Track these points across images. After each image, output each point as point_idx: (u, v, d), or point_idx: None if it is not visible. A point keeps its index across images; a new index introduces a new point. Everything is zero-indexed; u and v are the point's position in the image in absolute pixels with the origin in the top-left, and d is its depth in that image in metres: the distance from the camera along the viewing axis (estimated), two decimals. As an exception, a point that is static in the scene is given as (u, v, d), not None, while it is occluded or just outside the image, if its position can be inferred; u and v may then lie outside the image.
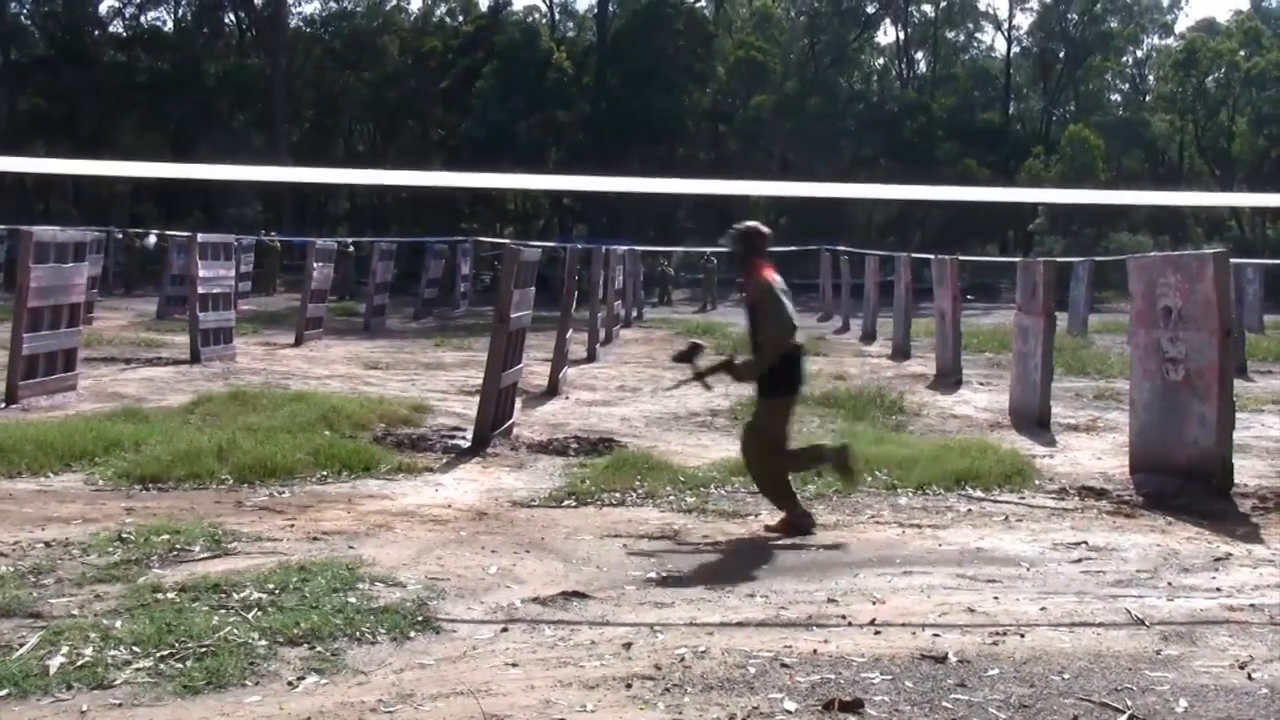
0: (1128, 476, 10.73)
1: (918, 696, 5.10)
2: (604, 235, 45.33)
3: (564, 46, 62.46)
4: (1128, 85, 75.55)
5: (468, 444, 11.61)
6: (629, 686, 5.16)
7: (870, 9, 69.07)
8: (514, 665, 5.48)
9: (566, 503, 9.36)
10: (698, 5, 65.08)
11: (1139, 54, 73.77)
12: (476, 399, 12.39)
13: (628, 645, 5.77)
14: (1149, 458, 10.66)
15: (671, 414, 14.47)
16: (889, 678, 5.31)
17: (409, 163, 51.59)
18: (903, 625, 6.16)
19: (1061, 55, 68.24)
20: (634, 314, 33.20)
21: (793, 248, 46.52)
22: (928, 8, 70.89)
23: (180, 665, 5.34)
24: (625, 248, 32.45)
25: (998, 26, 73.55)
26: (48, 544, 7.55)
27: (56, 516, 8.35)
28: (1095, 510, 9.44)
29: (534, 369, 16.47)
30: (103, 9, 63.90)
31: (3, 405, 13.26)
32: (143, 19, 65.20)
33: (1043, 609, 6.52)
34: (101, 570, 6.92)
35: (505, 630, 6.07)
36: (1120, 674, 5.43)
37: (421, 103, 61.55)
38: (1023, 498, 9.86)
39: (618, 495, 9.61)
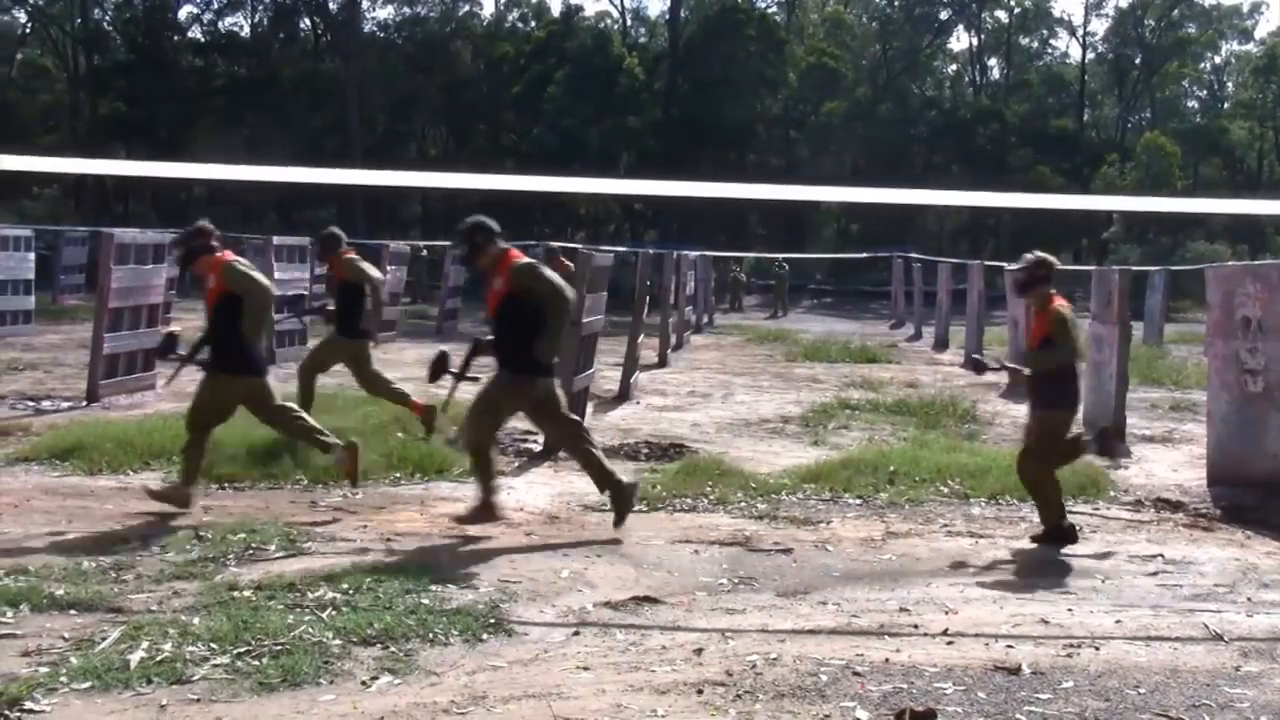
0: (1205, 489, 10.60)
1: (991, 708, 5.07)
2: (675, 241, 45.29)
3: (635, 52, 62.42)
4: (1205, 92, 74.50)
5: (540, 448, 11.64)
6: (700, 692, 5.17)
7: (943, 15, 68.63)
8: (585, 669, 5.50)
9: (638, 508, 9.37)
10: (769, 11, 64.91)
11: (1217, 60, 72.80)
12: (548, 403, 12.42)
13: (699, 651, 5.77)
14: (1227, 470, 10.53)
15: (743, 420, 14.45)
16: (962, 688, 5.28)
17: (481, 167, 51.69)
18: (975, 636, 6.12)
19: (1137, 61, 67.46)
20: (705, 320, 33.16)
21: (864, 254, 46.50)
22: (1001, 14, 70.35)
23: (256, 663, 5.40)
24: (696, 253, 32.42)
25: (1072, 32, 72.97)
26: (127, 540, 7.67)
27: (136, 514, 8.47)
28: (1171, 523, 9.35)
29: (605, 374, 16.49)
30: (181, 15, 64.77)
31: (84, 404, 13.46)
32: (220, 25, 66.07)
33: (1118, 621, 6.46)
34: (180, 567, 7.03)
35: (577, 634, 6.09)
36: (1198, 690, 5.37)
37: (493, 108, 61.77)
38: (1097, 509, 9.77)
39: (689, 501, 9.62)
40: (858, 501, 9.77)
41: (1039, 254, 8.87)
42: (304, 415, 9.26)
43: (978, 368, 9.89)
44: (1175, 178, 54.59)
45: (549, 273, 8.38)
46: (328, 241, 12.22)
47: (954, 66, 74.18)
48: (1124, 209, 48.20)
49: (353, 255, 12.11)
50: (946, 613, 6.57)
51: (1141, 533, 8.96)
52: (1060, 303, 8.62)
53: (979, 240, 60.27)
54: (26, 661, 5.40)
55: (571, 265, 21.80)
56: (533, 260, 8.43)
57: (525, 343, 8.37)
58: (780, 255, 43.34)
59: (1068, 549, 8.23)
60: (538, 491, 9.91)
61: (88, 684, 5.10)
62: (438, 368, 8.96)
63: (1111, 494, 10.30)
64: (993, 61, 73.33)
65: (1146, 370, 19.98)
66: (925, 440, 12.37)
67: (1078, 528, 8.53)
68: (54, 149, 53.31)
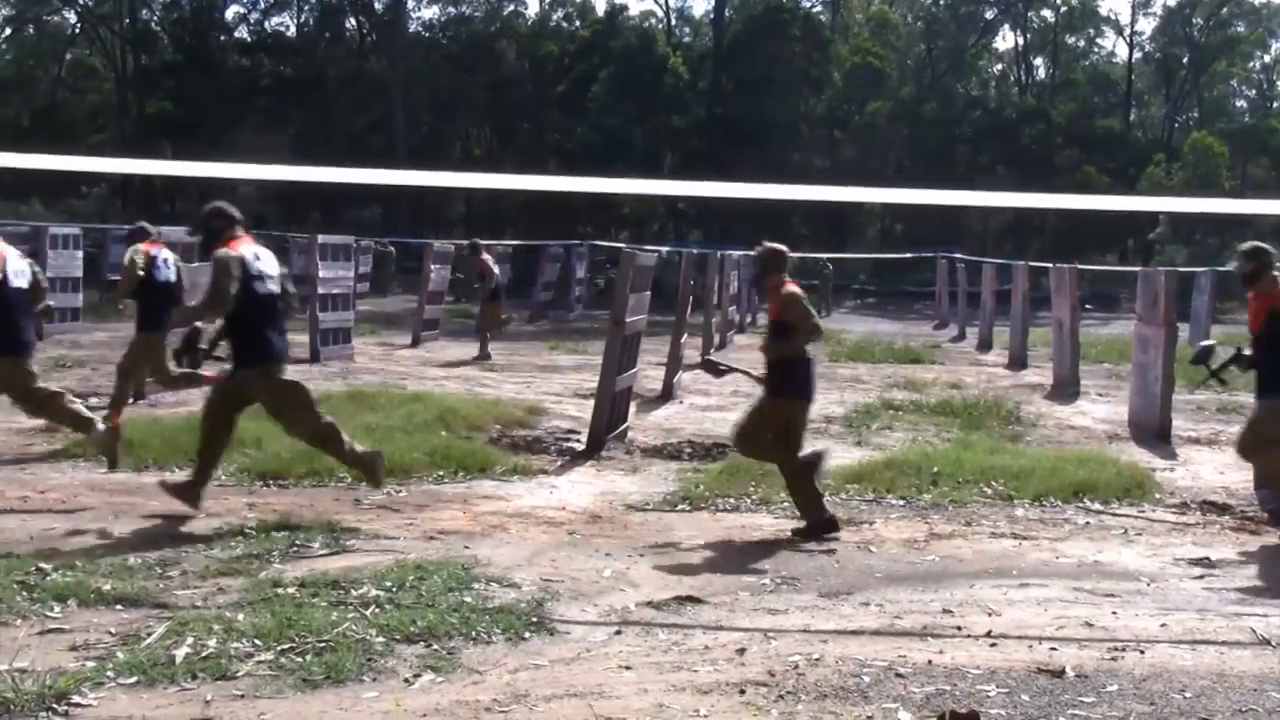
0: (1252, 492, 10.46)
1: (1034, 710, 5.04)
2: (719, 240, 45.22)
3: (680, 52, 62.43)
4: (1254, 91, 73.76)
5: (582, 447, 11.67)
6: (742, 692, 5.16)
7: (989, 14, 68.30)
8: (627, 668, 5.50)
9: (680, 507, 9.38)
10: (814, 11, 64.80)
11: (1267, 59, 72.03)
12: (591, 402, 12.45)
13: (741, 651, 5.77)
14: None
15: (784, 420, 14.41)
16: (1005, 690, 5.25)
17: (525, 166, 51.95)
18: (1019, 638, 6.09)
19: (1185, 60, 66.91)
20: (748, 320, 33.12)
21: (908, 254, 46.30)
22: (1048, 13, 69.92)
23: (300, 659, 5.44)
24: (740, 253, 32.37)
25: (1119, 32, 72.38)
26: (173, 537, 7.75)
27: (181, 510, 8.53)
28: (1218, 526, 9.27)
29: (648, 373, 16.49)
30: (228, 15, 65.29)
31: (131, 401, 13.56)
32: (266, 24, 66.54)
33: (1163, 625, 6.41)
34: (224, 564, 7.09)
35: (619, 633, 6.10)
36: (1244, 694, 5.32)
37: (537, 107, 61.90)
38: (1142, 511, 9.70)
39: (731, 501, 9.61)
40: (901, 502, 9.74)
41: (769, 244, 9.06)
42: (60, 394, 9.37)
43: (712, 370, 9.91)
44: (1223, 178, 54.15)
45: (225, 275, 8.26)
46: (134, 235, 12.71)
47: (999, 66, 73.78)
48: (1169, 209, 47.86)
49: (141, 248, 12.30)
50: (990, 614, 6.54)
51: (1187, 536, 8.89)
52: (791, 287, 8.71)
53: (1024, 241, 59.86)
54: (74, 656, 5.46)
55: (489, 262, 22.04)
56: (225, 257, 8.34)
57: (243, 335, 8.46)
58: (824, 255, 43.20)
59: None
60: (580, 491, 9.92)
61: (134, 679, 5.15)
62: (187, 344, 8.92)
63: (1157, 496, 10.23)
64: (1039, 61, 72.90)
65: (1193, 372, 19.79)
66: (969, 441, 12.31)
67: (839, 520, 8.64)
68: (102, 148, 53.81)
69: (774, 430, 8.64)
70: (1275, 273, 9.10)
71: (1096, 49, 73.09)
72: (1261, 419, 9.17)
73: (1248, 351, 9.32)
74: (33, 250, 23.93)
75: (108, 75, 64.90)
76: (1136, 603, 6.90)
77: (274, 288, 8.55)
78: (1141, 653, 5.87)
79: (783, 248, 8.98)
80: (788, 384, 8.62)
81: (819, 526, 8.44)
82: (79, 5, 63.72)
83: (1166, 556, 8.15)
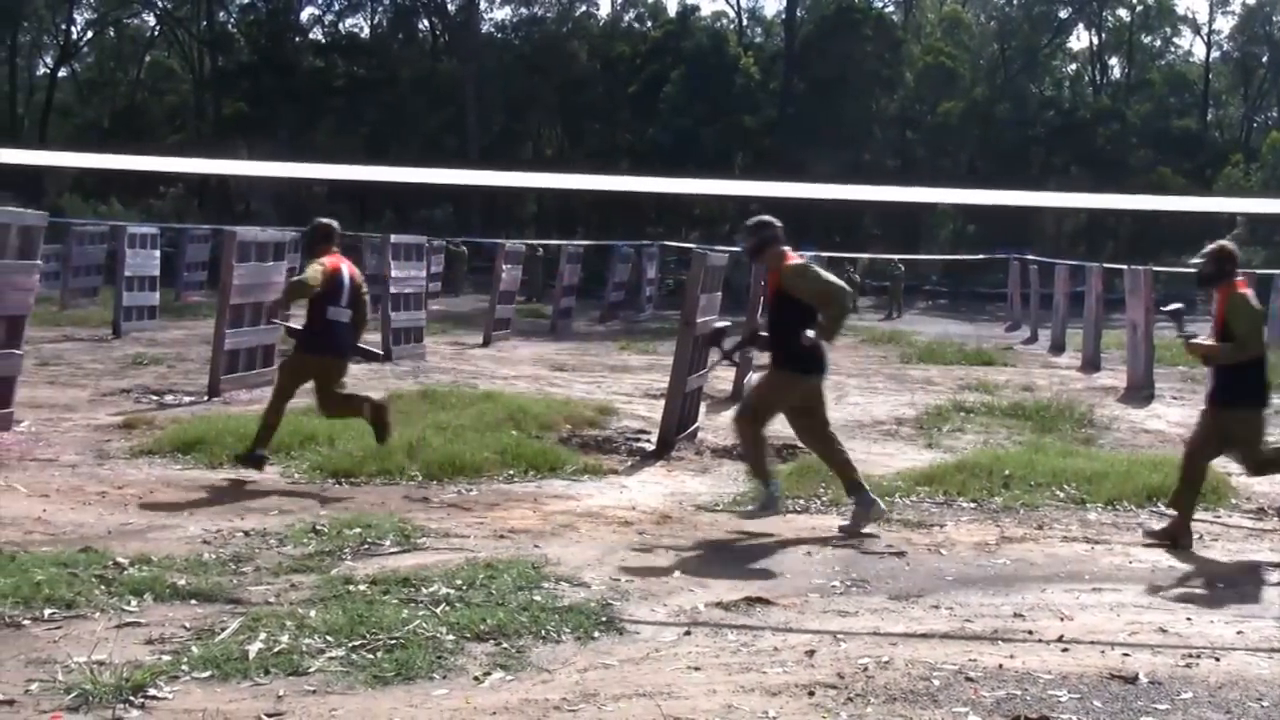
0: (1329, 498, 10.33)
1: (1107, 717, 4.99)
2: (789, 241, 45.04)
3: (751, 52, 62.38)
4: (1336, 91, 72.64)
5: (652, 447, 11.67)
6: (811, 694, 5.15)
7: (1063, 14, 67.61)
8: (696, 669, 5.50)
9: (751, 508, 9.35)
10: (886, 11, 64.51)
11: (1349, 58, 70.92)
12: (661, 402, 12.45)
13: (811, 653, 5.75)
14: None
15: (856, 422, 14.35)
16: (1077, 696, 5.20)
17: (596, 167, 52.02)
18: (1091, 643, 6.03)
19: (1264, 59, 65.96)
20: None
21: (980, 256, 45.95)
22: (1123, 12, 69.10)
23: (371, 656, 5.48)
24: (811, 253, 32.21)
25: (1196, 30, 71.38)
26: (247, 533, 7.83)
27: (254, 507, 8.63)
28: (1295, 532, 9.13)
29: (718, 374, 16.46)
30: (303, 16, 65.94)
31: (206, 398, 13.74)
32: (341, 26, 67.10)
33: (1239, 632, 6.32)
34: (297, 561, 7.15)
35: (688, 634, 6.10)
36: (1323, 703, 5.24)
37: (609, 107, 62.02)
38: (1218, 516, 9.57)
39: (801, 502, 9.59)
40: (972, 505, 9.67)
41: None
42: None
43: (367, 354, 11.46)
44: (1303, 178, 53.39)
45: None
46: None
47: (1074, 66, 72.96)
48: (1246, 210, 47.16)
49: None
50: (1062, 619, 6.48)
51: (1264, 541, 8.77)
52: (331, 260, 9.81)
53: (1097, 242, 59.24)
54: (150, 649, 5.53)
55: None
56: None
57: None
58: (895, 256, 42.98)
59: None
60: (650, 491, 9.93)
61: (208, 673, 5.21)
62: None
63: (1233, 501, 10.08)
64: (1113, 61, 72.00)
65: (1270, 376, 19.48)
66: (1041, 444, 12.19)
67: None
68: (179, 148, 54.48)
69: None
70: (784, 246, 9.00)
71: (1173, 48, 72.22)
72: (762, 386, 9.24)
73: (764, 333, 9.19)
74: (111, 250, 24.39)
75: (185, 77, 65.78)
76: (1212, 609, 6.82)
77: None
78: (1217, 660, 5.79)
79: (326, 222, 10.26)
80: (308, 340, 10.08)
81: (253, 459, 9.74)
82: (158, 8, 64.63)
83: (1243, 562, 8.04)
